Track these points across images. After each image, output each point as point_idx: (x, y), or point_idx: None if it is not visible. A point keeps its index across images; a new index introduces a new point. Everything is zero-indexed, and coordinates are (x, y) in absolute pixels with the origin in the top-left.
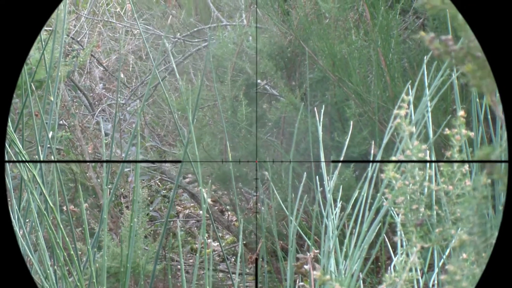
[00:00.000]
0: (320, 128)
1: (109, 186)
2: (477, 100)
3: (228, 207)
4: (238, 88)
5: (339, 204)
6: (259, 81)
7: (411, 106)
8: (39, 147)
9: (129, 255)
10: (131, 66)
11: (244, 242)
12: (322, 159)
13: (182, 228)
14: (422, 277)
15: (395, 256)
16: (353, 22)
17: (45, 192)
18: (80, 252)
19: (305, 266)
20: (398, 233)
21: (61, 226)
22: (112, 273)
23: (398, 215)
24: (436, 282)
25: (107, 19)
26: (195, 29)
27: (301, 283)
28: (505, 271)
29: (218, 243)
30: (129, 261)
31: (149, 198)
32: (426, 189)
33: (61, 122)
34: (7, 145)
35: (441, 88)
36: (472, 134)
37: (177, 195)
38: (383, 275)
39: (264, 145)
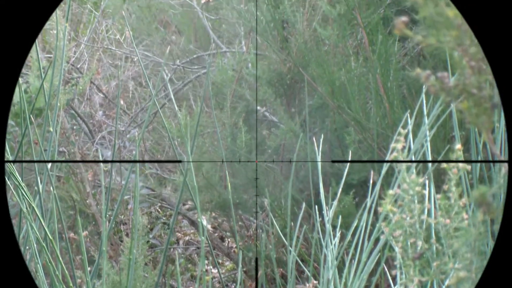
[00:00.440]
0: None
1: (109, 213)
2: (476, 129)
3: (228, 233)
4: (237, 115)
5: (338, 234)
6: (258, 107)
7: (410, 135)
8: (38, 177)
9: (128, 283)
10: (131, 92)
11: (244, 269)
12: (321, 186)
13: (182, 255)
14: None
15: (394, 285)
16: (352, 49)
17: (44, 224)
18: (79, 280)
19: None
20: (397, 266)
21: (60, 259)
22: None
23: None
24: None
25: (106, 46)
26: (195, 56)
27: None
28: (505, 271)
29: (217, 270)
30: None
31: (149, 226)
32: (423, 223)
33: (60, 149)
34: (6, 179)
35: (441, 116)
36: (469, 168)
37: (176, 222)
38: None
39: (263, 172)
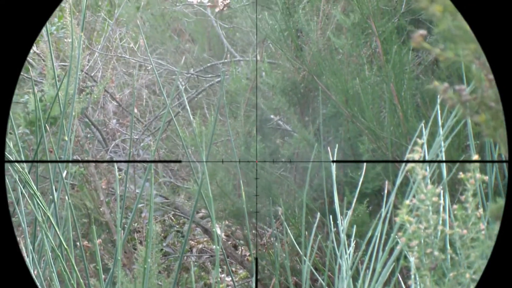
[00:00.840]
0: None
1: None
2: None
3: (241, 241)
4: (251, 124)
5: (352, 244)
6: (272, 116)
7: (425, 145)
8: (53, 186)
9: None
10: (144, 100)
11: (258, 277)
12: (335, 195)
13: (196, 263)
14: None
15: None
16: (366, 58)
17: (59, 233)
18: None
19: None
20: (412, 276)
21: (75, 268)
22: None
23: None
24: None
25: (120, 54)
26: (209, 65)
27: None
28: (505, 271)
29: (231, 278)
30: None
31: (162, 234)
32: (440, 233)
33: (75, 157)
34: (21, 187)
35: (455, 127)
36: (486, 178)
37: (190, 230)
38: None
39: (277, 181)
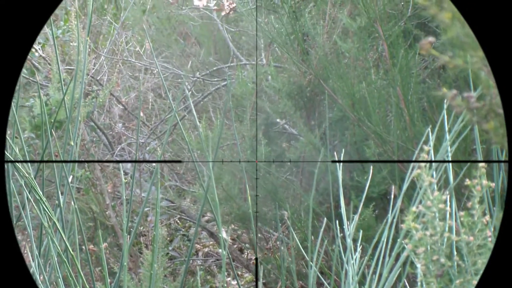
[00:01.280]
0: (340, 170)
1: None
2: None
3: (247, 245)
4: (257, 128)
5: (359, 249)
6: (277, 119)
7: (431, 151)
8: (59, 191)
9: None
10: (150, 104)
11: (263, 281)
12: (342, 199)
13: (201, 267)
14: None
15: None
16: (373, 61)
17: (65, 238)
18: None
19: None
20: (419, 283)
21: (81, 273)
22: None
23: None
24: None
25: (126, 58)
26: (214, 68)
27: None
28: (505, 271)
29: (237, 282)
30: None
31: (168, 238)
32: (446, 240)
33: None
34: (27, 192)
35: (462, 132)
36: (493, 184)
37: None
38: None
39: (283, 185)
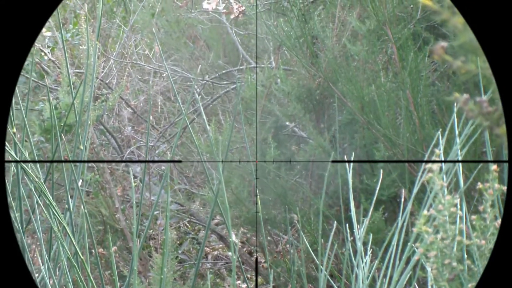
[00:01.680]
0: (349, 173)
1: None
2: None
3: (256, 248)
4: (266, 131)
5: (369, 252)
6: (287, 123)
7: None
8: (69, 195)
9: None
10: (159, 107)
11: (273, 284)
12: (351, 202)
13: (211, 270)
14: None
15: None
16: (382, 64)
17: (75, 242)
18: None
19: None
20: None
21: (91, 278)
22: None
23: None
24: None
25: (135, 61)
26: (224, 71)
27: None
28: (505, 271)
29: (246, 285)
30: None
31: (178, 241)
32: (458, 244)
33: (90, 164)
34: (37, 197)
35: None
36: (504, 188)
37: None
38: None
39: (292, 188)
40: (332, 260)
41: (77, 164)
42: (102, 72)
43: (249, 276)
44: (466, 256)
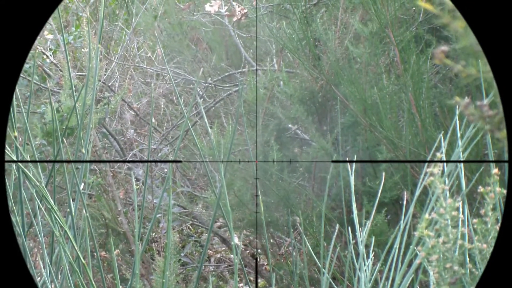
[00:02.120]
0: (352, 176)
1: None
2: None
3: (259, 251)
4: (269, 133)
5: (371, 255)
6: (289, 125)
7: (444, 156)
8: (70, 198)
9: None
10: (162, 109)
11: (276, 287)
12: (354, 204)
13: (213, 273)
14: None
15: None
16: (384, 67)
17: (77, 247)
18: None
19: None
20: None
21: (93, 282)
22: None
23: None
24: None
25: (137, 64)
26: (226, 74)
27: None
28: (505, 271)
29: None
30: None
31: (180, 244)
32: (460, 247)
33: (92, 167)
34: (38, 202)
35: (474, 138)
36: (506, 191)
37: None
38: None
39: (295, 190)
40: (335, 263)
41: (79, 166)
42: (105, 74)
43: (251, 278)
44: (468, 259)
